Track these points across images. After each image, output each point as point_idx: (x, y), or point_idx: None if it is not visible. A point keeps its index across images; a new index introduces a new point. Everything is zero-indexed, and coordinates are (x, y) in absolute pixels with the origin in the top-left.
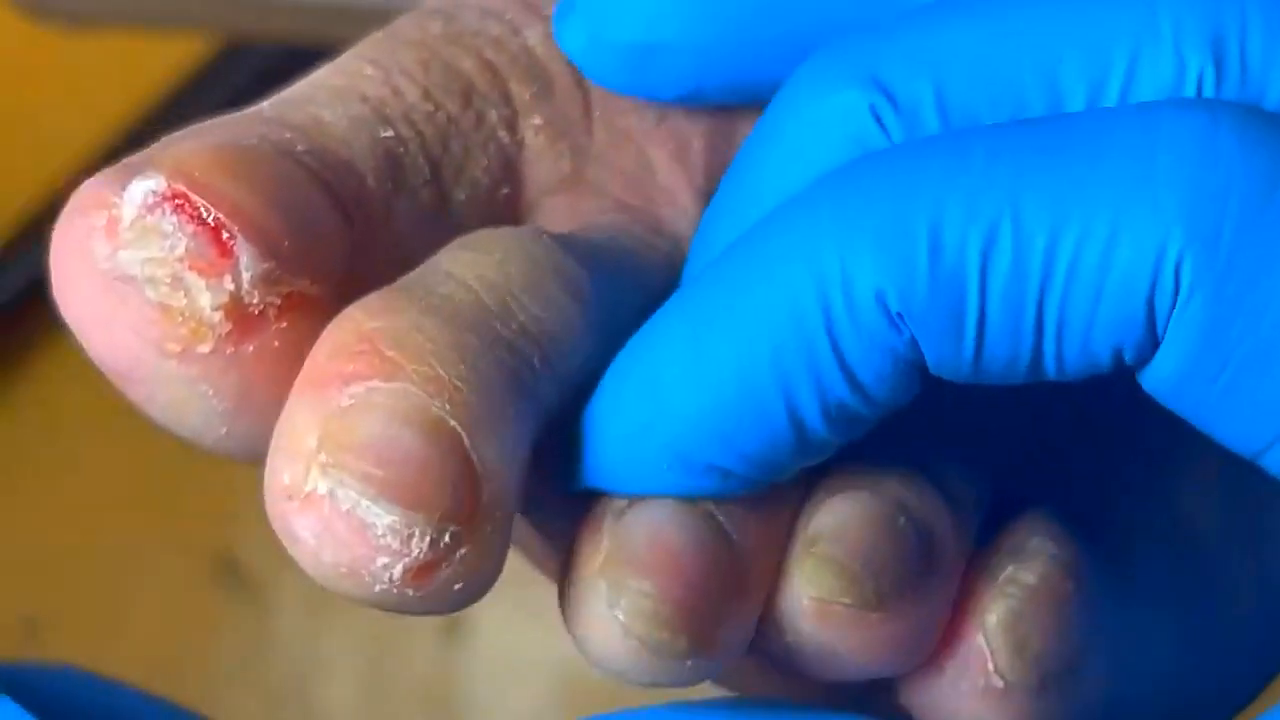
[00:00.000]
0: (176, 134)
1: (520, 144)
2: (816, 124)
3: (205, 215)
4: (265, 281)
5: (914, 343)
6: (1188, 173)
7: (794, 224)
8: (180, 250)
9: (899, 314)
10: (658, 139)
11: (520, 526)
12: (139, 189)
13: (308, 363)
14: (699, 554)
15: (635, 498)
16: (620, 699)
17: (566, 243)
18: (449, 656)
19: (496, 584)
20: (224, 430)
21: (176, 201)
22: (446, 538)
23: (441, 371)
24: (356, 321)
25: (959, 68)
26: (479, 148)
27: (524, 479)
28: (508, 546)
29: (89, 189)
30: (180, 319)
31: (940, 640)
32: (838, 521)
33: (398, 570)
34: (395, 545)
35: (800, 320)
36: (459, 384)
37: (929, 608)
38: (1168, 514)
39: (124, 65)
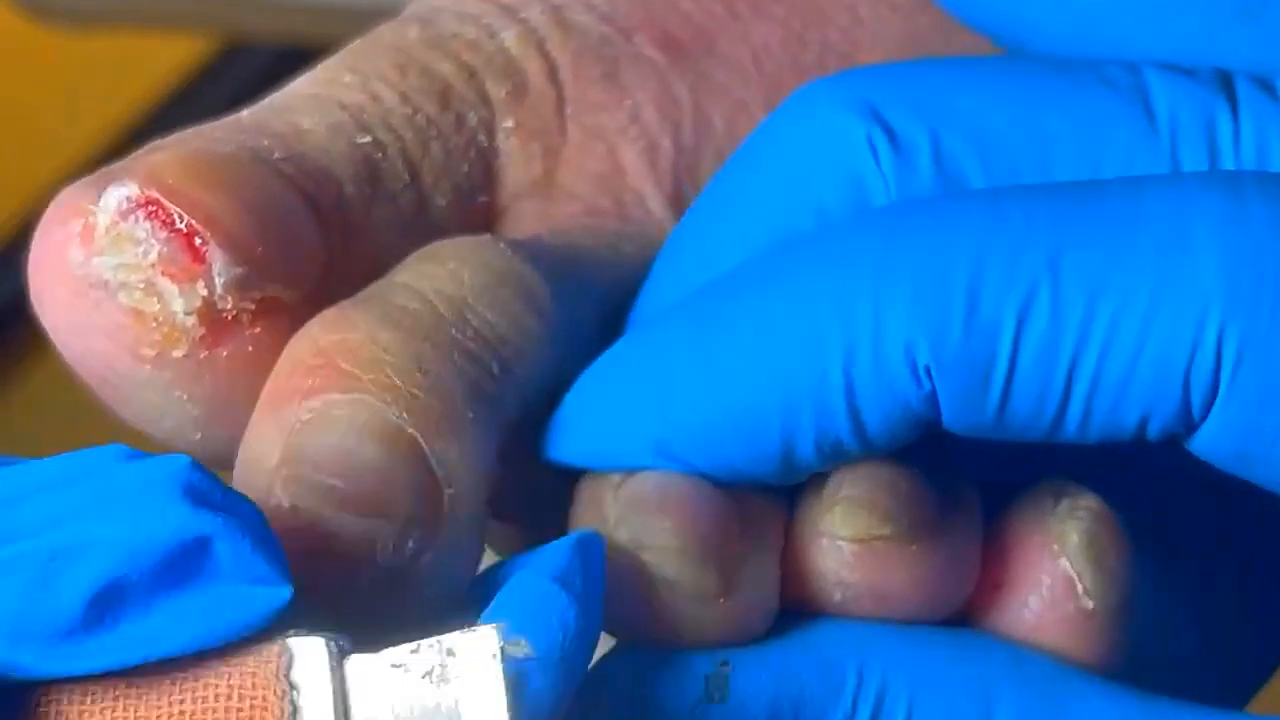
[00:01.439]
0: (157, 141)
1: (495, 149)
2: (809, 146)
3: (178, 221)
4: (238, 287)
5: (932, 397)
6: (1223, 241)
7: (828, 264)
8: (153, 256)
9: (926, 368)
10: (629, 138)
11: (505, 535)
12: (114, 196)
13: (269, 381)
14: (708, 497)
15: (629, 472)
16: None
17: (529, 250)
18: None
19: None
20: (198, 435)
21: (150, 208)
22: (410, 544)
23: (398, 381)
24: (313, 337)
25: (957, 122)
26: (459, 151)
27: (490, 483)
28: (479, 551)
29: (67, 197)
30: (154, 324)
31: (1015, 577)
32: (854, 472)
33: (365, 580)
34: (360, 555)
35: (819, 357)
36: (416, 391)
37: (960, 541)
38: (1159, 522)
39: (124, 65)
